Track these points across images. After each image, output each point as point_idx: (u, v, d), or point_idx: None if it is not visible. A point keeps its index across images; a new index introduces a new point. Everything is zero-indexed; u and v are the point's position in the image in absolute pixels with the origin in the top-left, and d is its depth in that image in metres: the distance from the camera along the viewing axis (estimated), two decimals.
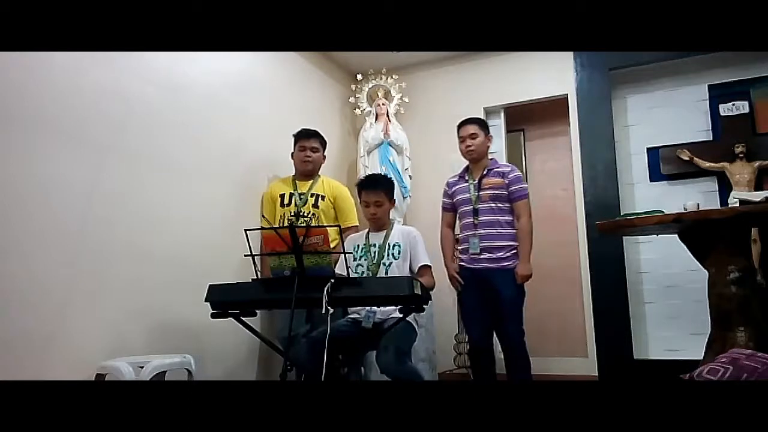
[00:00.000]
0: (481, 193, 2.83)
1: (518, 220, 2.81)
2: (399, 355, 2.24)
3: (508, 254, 2.75)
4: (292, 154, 3.21)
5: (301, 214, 3.02)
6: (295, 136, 3.21)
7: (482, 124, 2.95)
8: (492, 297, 2.73)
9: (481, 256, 2.76)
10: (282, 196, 3.12)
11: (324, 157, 3.28)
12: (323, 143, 3.24)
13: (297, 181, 3.17)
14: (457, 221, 2.98)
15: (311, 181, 3.15)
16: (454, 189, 2.97)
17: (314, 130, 3.23)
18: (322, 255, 2.04)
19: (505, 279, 2.71)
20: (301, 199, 3.07)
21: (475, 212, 2.82)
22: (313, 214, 3.04)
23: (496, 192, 2.81)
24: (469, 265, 2.82)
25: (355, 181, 3.15)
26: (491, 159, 2.97)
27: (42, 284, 2.08)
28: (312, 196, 3.09)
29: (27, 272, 2.04)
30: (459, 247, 2.92)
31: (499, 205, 2.80)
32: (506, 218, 2.81)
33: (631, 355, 3.51)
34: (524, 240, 2.76)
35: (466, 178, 2.94)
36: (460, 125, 2.97)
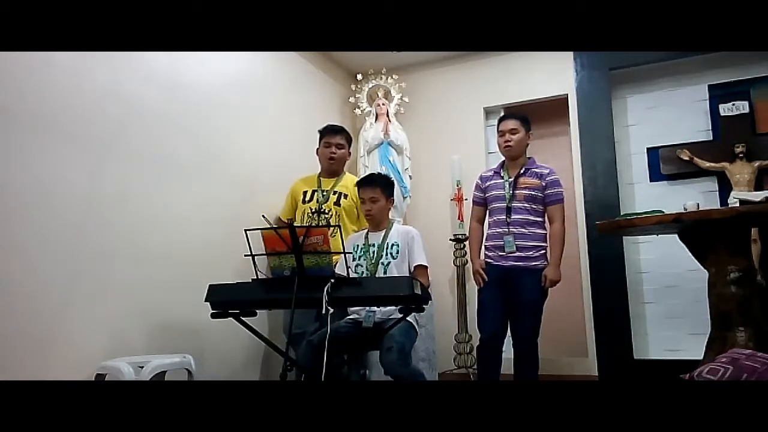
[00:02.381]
0: (516, 192, 2.77)
1: (552, 223, 2.77)
2: (403, 356, 2.24)
3: (537, 254, 2.72)
4: (317, 150, 3.16)
5: (322, 210, 2.99)
6: (320, 131, 3.15)
7: (524, 121, 2.86)
8: (513, 296, 2.71)
9: (513, 254, 2.72)
10: (305, 192, 3.09)
11: (349, 153, 3.23)
12: (349, 139, 3.18)
13: (321, 178, 3.12)
14: (486, 217, 2.94)
15: (335, 179, 3.11)
16: (487, 184, 2.89)
17: (340, 126, 3.19)
18: (322, 255, 2.04)
19: (531, 279, 2.69)
20: (323, 195, 3.03)
21: (509, 210, 2.76)
22: (335, 212, 3.00)
23: (532, 193, 2.76)
24: (496, 263, 2.77)
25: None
26: (530, 158, 2.89)
27: (42, 284, 2.08)
28: (335, 193, 3.04)
29: (27, 272, 2.04)
30: (486, 243, 2.86)
31: (533, 206, 2.76)
32: (538, 219, 2.77)
33: (631, 355, 3.51)
34: (556, 245, 2.72)
35: (501, 174, 2.86)
36: (501, 119, 2.91)
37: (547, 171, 2.81)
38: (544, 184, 2.77)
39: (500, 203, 2.80)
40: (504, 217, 2.77)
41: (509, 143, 2.81)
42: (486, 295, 2.80)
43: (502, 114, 4.20)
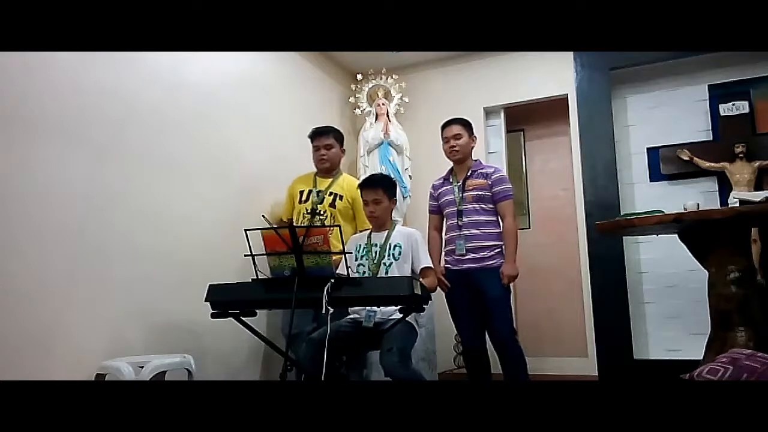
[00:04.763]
0: (465, 194, 2.83)
1: (503, 220, 2.82)
2: (403, 358, 2.25)
3: (491, 254, 2.76)
4: (312, 155, 3.16)
5: (317, 212, 2.99)
6: (309, 137, 3.16)
7: (466, 125, 2.94)
8: (479, 297, 2.74)
9: (466, 257, 2.77)
10: (301, 192, 3.09)
11: (343, 150, 3.22)
12: (338, 137, 3.17)
13: (318, 178, 3.12)
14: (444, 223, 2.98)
15: (331, 179, 3.10)
16: (439, 191, 2.97)
17: (325, 127, 3.18)
18: (322, 255, 2.03)
19: (490, 278, 2.72)
20: (318, 196, 3.03)
21: (460, 213, 2.82)
22: (330, 213, 2.99)
23: (480, 193, 2.81)
24: (454, 267, 2.82)
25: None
26: (476, 160, 2.97)
27: (42, 284, 2.08)
28: (330, 195, 3.03)
29: (27, 272, 2.04)
30: (444, 249, 2.92)
31: (483, 206, 2.81)
32: (490, 218, 2.81)
33: (631, 355, 3.51)
34: (510, 240, 2.77)
35: (450, 180, 2.93)
36: (444, 126, 2.96)
37: (492, 170, 2.88)
38: (490, 182, 2.82)
39: (452, 208, 2.86)
40: (456, 220, 2.83)
41: (454, 148, 2.88)
42: (454, 301, 2.86)
43: (502, 116, 4.25)
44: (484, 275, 2.73)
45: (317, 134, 3.13)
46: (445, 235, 2.92)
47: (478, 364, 2.82)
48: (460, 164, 2.92)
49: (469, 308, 2.79)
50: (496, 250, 2.77)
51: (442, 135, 2.95)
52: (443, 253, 2.92)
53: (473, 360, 2.84)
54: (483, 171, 2.87)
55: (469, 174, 2.87)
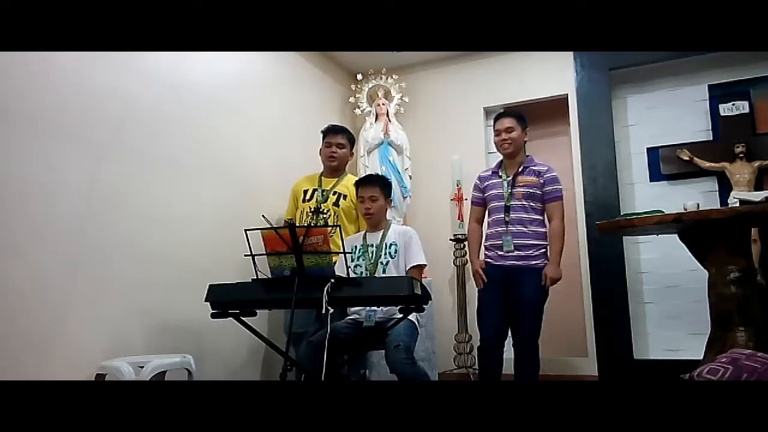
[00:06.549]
0: (514, 190, 2.74)
1: (550, 221, 2.74)
2: (410, 354, 2.25)
3: (536, 253, 2.69)
4: (320, 150, 3.16)
5: (321, 210, 2.99)
6: (322, 131, 3.16)
7: (520, 118, 2.83)
8: (513, 296, 2.68)
9: (512, 254, 2.70)
10: (305, 191, 3.09)
11: (352, 153, 3.24)
12: (350, 140, 3.18)
13: (323, 177, 3.12)
14: (486, 216, 2.91)
15: (336, 179, 3.10)
16: (486, 184, 2.87)
17: (341, 126, 3.19)
18: (322, 255, 2.03)
19: (531, 278, 2.66)
20: (323, 195, 3.03)
21: (507, 209, 2.74)
22: (334, 212, 2.99)
23: (531, 191, 2.73)
24: (496, 263, 2.75)
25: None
26: (527, 156, 2.86)
27: (42, 284, 2.08)
28: (334, 194, 3.03)
29: (27, 272, 2.04)
30: (485, 243, 2.84)
31: (532, 204, 2.73)
32: (536, 217, 2.74)
33: (631, 355, 3.51)
34: (556, 242, 2.69)
35: (500, 173, 2.83)
36: (497, 118, 2.87)
37: (545, 168, 2.79)
38: (542, 181, 2.75)
39: (499, 202, 2.78)
40: (502, 216, 2.75)
41: (506, 141, 2.78)
42: (486, 296, 2.78)
43: (497, 113, 4.23)
44: (526, 275, 2.66)
45: (331, 131, 3.13)
46: (488, 228, 2.83)
47: (493, 363, 2.73)
48: (511, 159, 2.81)
49: (500, 307, 2.71)
50: (541, 250, 2.71)
51: (493, 127, 2.86)
52: (484, 248, 2.84)
53: (488, 358, 2.76)
54: (535, 168, 2.78)
55: (520, 170, 2.77)
